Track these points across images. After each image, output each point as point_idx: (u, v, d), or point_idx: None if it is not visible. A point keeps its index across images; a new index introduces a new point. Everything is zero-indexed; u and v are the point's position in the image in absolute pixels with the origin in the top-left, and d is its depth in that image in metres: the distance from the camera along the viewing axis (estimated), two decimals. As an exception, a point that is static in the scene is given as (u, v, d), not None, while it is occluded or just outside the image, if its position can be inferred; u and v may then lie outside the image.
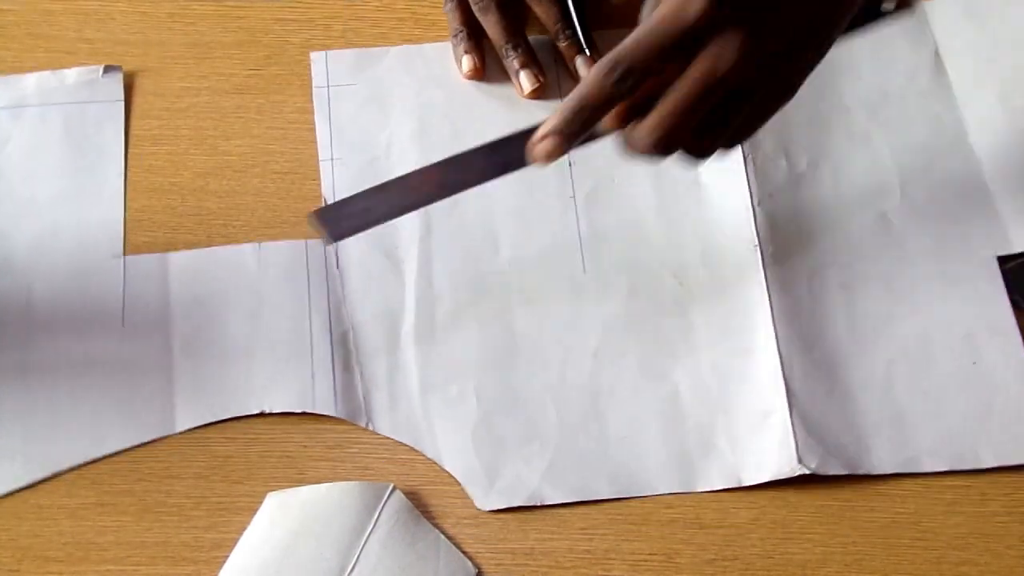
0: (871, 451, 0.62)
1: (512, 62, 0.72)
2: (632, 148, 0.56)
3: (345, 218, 0.61)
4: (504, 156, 0.59)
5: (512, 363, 0.64)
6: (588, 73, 0.54)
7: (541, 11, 0.72)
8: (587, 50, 0.71)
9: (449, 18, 0.73)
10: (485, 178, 0.60)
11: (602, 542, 0.60)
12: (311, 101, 0.72)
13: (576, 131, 0.55)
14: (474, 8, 0.71)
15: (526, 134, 0.57)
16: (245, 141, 0.71)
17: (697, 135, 0.56)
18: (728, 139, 0.56)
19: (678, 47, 0.52)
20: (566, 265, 0.67)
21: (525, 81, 0.72)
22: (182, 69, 0.73)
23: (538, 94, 0.72)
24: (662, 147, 0.55)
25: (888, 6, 0.60)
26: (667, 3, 0.52)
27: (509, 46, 0.71)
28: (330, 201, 0.68)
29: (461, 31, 0.72)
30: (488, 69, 0.73)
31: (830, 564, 0.59)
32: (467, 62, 0.72)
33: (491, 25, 0.71)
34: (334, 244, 0.66)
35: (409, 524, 0.59)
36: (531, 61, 0.72)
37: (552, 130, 0.56)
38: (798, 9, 0.53)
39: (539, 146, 0.56)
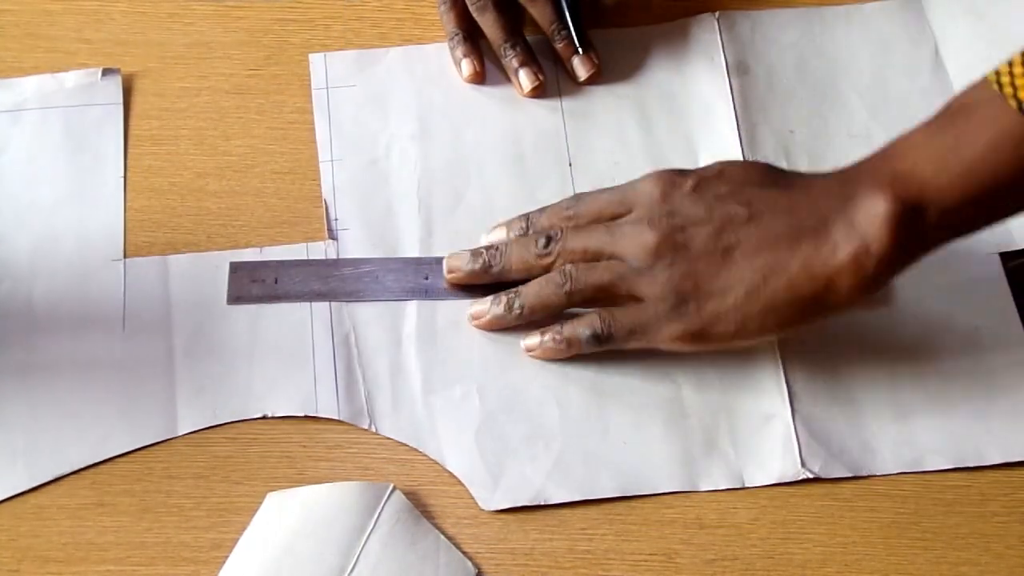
0: (875, 452, 0.62)
1: (511, 61, 0.71)
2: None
3: (254, 283, 0.66)
4: (425, 276, 0.66)
5: (514, 363, 0.64)
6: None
7: (536, 11, 0.72)
8: (581, 49, 0.71)
9: (444, 20, 0.73)
10: (396, 296, 0.66)
11: (602, 542, 0.60)
12: (311, 101, 0.72)
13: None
14: (471, 8, 0.71)
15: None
16: (245, 141, 0.70)
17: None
18: (596, 323, 0.62)
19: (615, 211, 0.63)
20: (567, 264, 0.67)
21: (525, 80, 0.71)
22: (182, 69, 0.73)
23: (538, 92, 0.72)
24: (546, 241, 0.63)
25: None
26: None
27: (507, 45, 0.71)
28: (330, 203, 0.68)
29: (457, 34, 0.72)
30: (487, 69, 0.72)
31: (830, 564, 0.59)
32: (467, 67, 0.72)
33: (489, 24, 0.71)
34: (233, 303, 0.66)
35: (409, 524, 0.59)
36: (530, 59, 0.72)
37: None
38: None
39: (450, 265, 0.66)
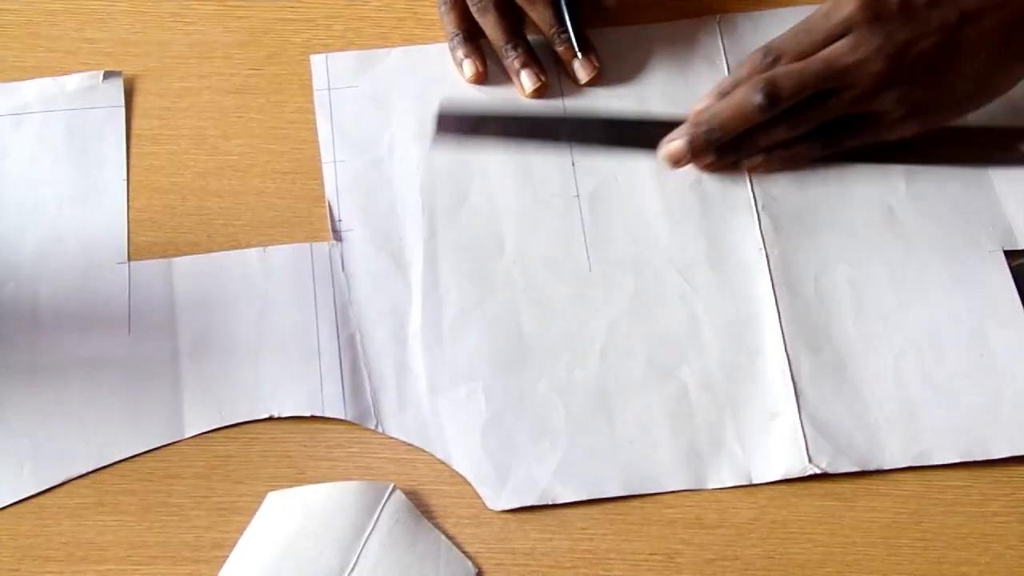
0: (882, 447, 0.62)
1: (513, 62, 0.71)
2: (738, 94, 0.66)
3: (462, 120, 0.71)
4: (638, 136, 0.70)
5: (520, 363, 0.64)
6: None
7: (536, 14, 0.72)
8: (581, 53, 0.71)
9: (444, 21, 0.73)
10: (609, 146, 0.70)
11: (602, 542, 0.60)
12: (312, 101, 0.72)
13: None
14: (472, 9, 0.71)
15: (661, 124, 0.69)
16: (246, 141, 0.71)
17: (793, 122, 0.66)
18: (821, 142, 0.68)
19: (820, 44, 0.65)
20: (571, 264, 0.67)
21: (527, 81, 0.71)
22: (183, 69, 0.73)
23: (540, 93, 0.72)
24: (765, 96, 0.64)
25: None
26: (821, 7, 0.65)
27: (509, 46, 0.71)
28: (333, 204, 0.68)
29: (458, 34, 0.72)
30: (488, 69, 0.72)
31: (830, 564, 0.59)
32: (469, 68, 0.72)
33: (490, 26, 0.71)
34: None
35: (409, 524, 0.59)
36: (532, 60, 0.72)
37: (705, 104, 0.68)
38: (934, 40, 0.63)
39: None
